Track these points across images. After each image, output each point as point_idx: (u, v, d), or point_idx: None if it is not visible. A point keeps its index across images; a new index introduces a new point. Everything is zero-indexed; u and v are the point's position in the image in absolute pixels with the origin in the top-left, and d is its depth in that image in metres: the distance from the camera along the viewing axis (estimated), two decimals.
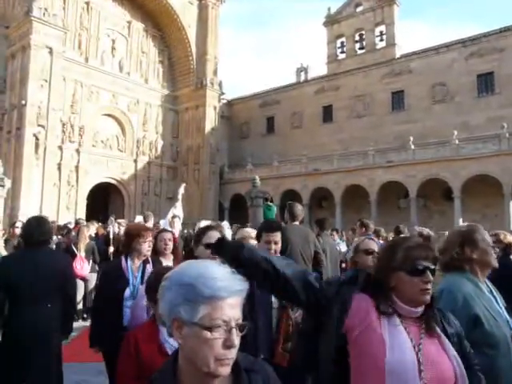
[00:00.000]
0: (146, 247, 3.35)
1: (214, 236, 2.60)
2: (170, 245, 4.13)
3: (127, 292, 3.17)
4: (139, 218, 9.56)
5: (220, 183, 34.29)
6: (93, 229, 9.90)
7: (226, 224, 12.19)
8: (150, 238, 3.38)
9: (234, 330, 1.02)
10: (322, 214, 28.08)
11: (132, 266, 3.32)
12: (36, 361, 3.26)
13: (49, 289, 3.43)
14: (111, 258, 8.20)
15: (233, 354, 1.03)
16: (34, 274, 3.35)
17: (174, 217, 7.39)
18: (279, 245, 3.04)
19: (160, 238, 4.13)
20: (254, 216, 11.82)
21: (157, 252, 4.04)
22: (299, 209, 4.92)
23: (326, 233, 6.21)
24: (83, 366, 5.57)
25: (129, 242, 3.39)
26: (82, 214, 24.51)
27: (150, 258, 3.47)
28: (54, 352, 3.46)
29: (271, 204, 9.64)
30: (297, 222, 4.85)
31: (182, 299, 1.03)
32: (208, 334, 1.01)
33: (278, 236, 3.03)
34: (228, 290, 1.02)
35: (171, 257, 4.17)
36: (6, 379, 3.22)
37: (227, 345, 1.02)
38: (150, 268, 3.33)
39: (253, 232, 4.35)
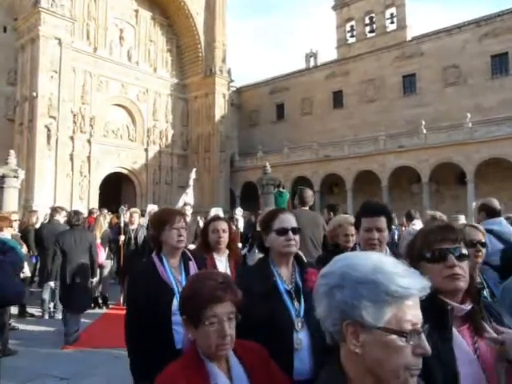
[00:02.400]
0: (175, 236, 2.44)
1: (287, 219, 2.12)
2: (225, 237, 3.33)
3: (175, 304, 2.27)
4: (151, 207, 9.61)
5: (231, 171, 34.33)
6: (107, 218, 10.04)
7: (239, 211, 12.22)
8: (181, 224, 2.49)
9: (422, 335, 0.87)
10: (334, 200, 28.02)
11: (170, 268, 2.44)
12: (76, 288, 6.18)
13: (81, 250, 6.37)
14: (121, 248, 8.24)
15: (421, 362, 0.87)
16: (73, 241, 6.33)
17: (185, 204, 7.34)
18: (385, 233, 2.37)
19: (212, 229, 3.33)
20: (266, 203, 11.85)
21: (208, 246, 3.32)
22: (309, 194, 4.92)
23: None
24: (99, 351, 5.69)
25: (158, 234, 2.51)
26: (94, 203, 24.78)
27: (188, 253, 2.60)
28: (87, 284, 6.47)
29: (283, 190, 9.61)
30: (306, 207, 4.85)
31: (362, 299, 0.86)
32: (398, 340, 0.85)
33: (382, 221, 2.36)
34: (417, 286, 0.87)
35: (226, 252, 3.38)
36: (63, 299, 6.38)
37: (417, 352, 0.86)
38: (193, 267, 2.52)
39: (350, 217, 3.80)
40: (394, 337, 0.85)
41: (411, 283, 0.86)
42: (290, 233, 2.08)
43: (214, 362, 1.43)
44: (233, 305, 1.45)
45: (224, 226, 3.36)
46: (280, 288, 2.00)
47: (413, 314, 0.86)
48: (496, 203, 4.08)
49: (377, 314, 0.86)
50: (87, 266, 6.38)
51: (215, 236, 3.30)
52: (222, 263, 3.29)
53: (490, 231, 3.67)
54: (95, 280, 7.50)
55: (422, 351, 0.86)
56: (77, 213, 6.74)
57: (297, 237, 2.12)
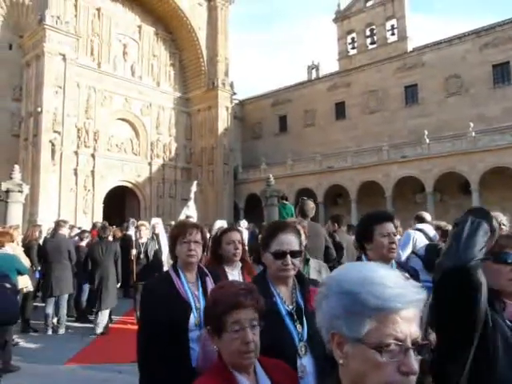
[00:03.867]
0: (185, 250, 2.34)
1: (287, 241, 1.93)
2: (241, 248, 3.17)
3: (191, 320, 2.21)
4: (155, 220, 9.59)
5: (234, 183, 34.34)
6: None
7: (244, 223, 12.19)
8: (193, 238, 2.38)
9: (410, 352, 0.80)
10: (338, 212, 27.90)
11: (187, 282, 2.34)
12: (106, 288, 7.58)
13: (109, 259, 7.72)
14: (134, 262, 8.15)
15: (412, 382, 0.80)
16: (101, 251, 7.70)
17: (187, 217, 7.32)
18: (397, 239, 2.37)
19: (227, 240, 3.12)
20: (269, 215, 11.82)
21: (219, 259, 3.14)
22: (310, 207, 4.95)
23: (343, 229, 6.16)
24: (102, 367, 5.63)
25: (173, 247, 2.44)
26: (98, 217, 24.82)
27: (205, 268, 2.50)
28: (113, 285, 7.80)
29: (286, 203, 9.58)
30: (307, 220, 4.86)
31: (342, 311, 0.83)
32: (377, 355, 0.79)
33: (393, 226, 2.37)
34: (402, 299, 0.80)
35: (239, 265, 3.20)
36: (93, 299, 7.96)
37: (403, 370, 0.79)
38: (210, 282, 2.40)
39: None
40: (371, 351, 0.80)
41: (398, 296, 0.80)
42: (289, 257, 1.89)
43: (243, 374, 1.40)
44: (255, 311, 1.43)
45: (239, 237, 3.20)
46: (280, 309, 1.83)
47: (397, 329, 0.80)
48: (426, 215, 5.51)
49: (355, 326, 0.82)
50: (113, 272, 7.77)
51: (231, 248, 3.09)
52: (235, 277, 3.10)
53: (420, 230, 5.11)
54: (118, 285, 8.31)
55: (407, 370, 0.79)
56: (104, 227, 8.47)
57: (296, 260, 1.93)
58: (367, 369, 0.81)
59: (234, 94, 35.25)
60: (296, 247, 1.94)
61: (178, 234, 2.42)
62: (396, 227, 2.47)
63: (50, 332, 7.52)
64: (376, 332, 0.80)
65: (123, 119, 30.38)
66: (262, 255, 2.00)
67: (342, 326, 0.84)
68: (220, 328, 1.40)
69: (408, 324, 0.81)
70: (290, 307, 1.86)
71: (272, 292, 1.88)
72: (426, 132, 25.89)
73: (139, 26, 31.59)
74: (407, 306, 0.81)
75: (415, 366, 0.79)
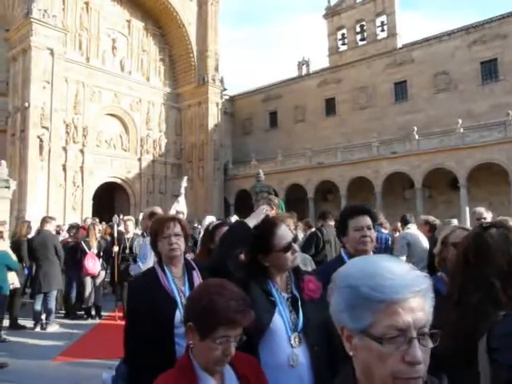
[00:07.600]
0: (166, 245, 2.27)
1: (285, 232, 1.96)
2: None
3: (177, 316, 2.14)
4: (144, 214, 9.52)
5: (224, 179, 34.30)
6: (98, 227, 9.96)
7: (235, 219, 12.14)
8: (172, 231, 2.30)
9: (415, 342, 0.79)
10: (328, 208, 28.01)
11: (173, 278, 2.28)
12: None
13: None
14: (116, 258, 8.03)
15: (419, 372, 0.79)
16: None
17: (177, 213, 7.29)
18: (373, 232, 2.38)
19: (219, 235, 3.06)
20: None
21: (212, 252, 3.07)
22: (275, 202, 5.04)
23: (330, 224, 6.18)
24: (92, 363, 5.62)
25: (154, 244, 2.38)
26: (88, 213, 24.63)
27: (192, 262, 2.41)
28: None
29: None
30: None
31: (344, 305, 0.85)
32: (379, 347, 0.80)
33: (369, 220, 2.38)
34: (402, 290, 0.80)
35: None
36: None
37: (407, 360, 0.78)
38: (197, 276, 2.32)
39: None
40: (374, 343, 0.81)
41: (398, 287, 0.80)
42: (294, 245, 1.95)
43: (208, 371, 1.43)
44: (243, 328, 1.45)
45: None
46: (275, 297, 1.84)
47: (399, 319, 0.79)
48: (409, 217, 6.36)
49: (358, 319, 0.83)
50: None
51: None
52: None
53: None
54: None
55: (411, 359, 0.78)
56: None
57: (295, 245, 1.98)
58: (373, 360, 0.82)
59: (225, 89, 35.16)
60: (292, 233, 2.01)
61: (156, 230, 2.35)
62: (375, 221, 2.47)
63: (38, 328, 7.47)
64: (378, 323, 0.81)
65: (112, 115, 30.14)
66: (262, 258, 1.94)
67: (347, 319, 0.85)
68: (206, 334, 1.39)
69: (411, 314, 0.80)
70: (286, 296, 1.87)
71: (268, 281, 1.90)
72: (415, 128, 26.07)
73: (128, 21, 31.30)
74: (409, 295, 0.80)
75: (419, 355, 0.79)
